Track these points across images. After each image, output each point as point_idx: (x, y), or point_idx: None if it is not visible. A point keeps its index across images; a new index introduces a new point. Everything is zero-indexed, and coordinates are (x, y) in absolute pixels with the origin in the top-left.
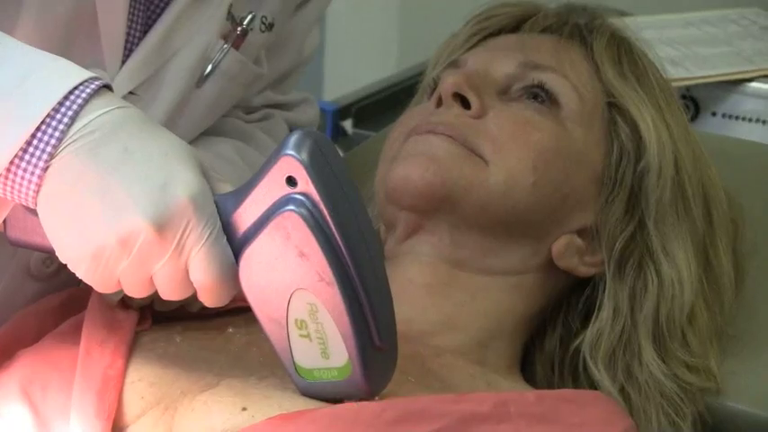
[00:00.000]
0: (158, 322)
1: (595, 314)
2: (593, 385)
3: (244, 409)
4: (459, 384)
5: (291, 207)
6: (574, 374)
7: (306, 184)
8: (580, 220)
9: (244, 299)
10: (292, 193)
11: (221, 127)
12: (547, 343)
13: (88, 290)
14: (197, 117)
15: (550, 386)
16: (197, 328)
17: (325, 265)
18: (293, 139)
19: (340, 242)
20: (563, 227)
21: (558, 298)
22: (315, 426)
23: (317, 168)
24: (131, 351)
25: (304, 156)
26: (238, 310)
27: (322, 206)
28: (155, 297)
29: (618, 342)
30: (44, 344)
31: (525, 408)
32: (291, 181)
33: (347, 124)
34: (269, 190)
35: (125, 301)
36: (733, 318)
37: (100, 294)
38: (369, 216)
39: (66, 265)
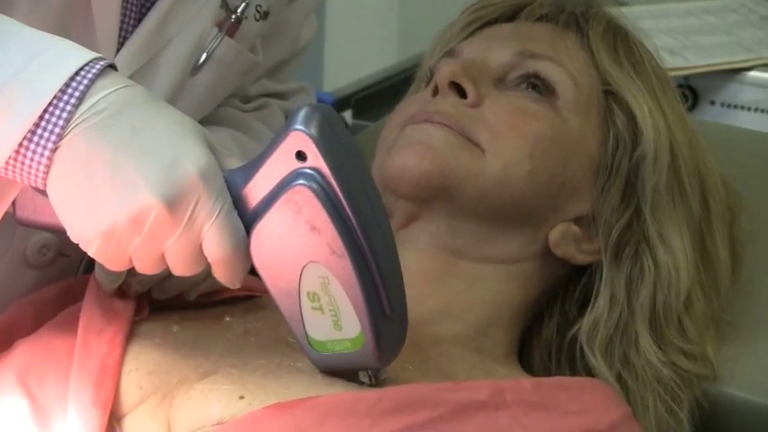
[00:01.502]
0: (156, 311)
1: (592, 302)
2: (590, 373)
3: (241, 397)
4: (457, 372)
5: (302, 181)
6: (571, 362)
7: (316, 159)
8: (577, 208)
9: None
10: (302, 168)
11: (217, 116)
12: (544, 331)
13: (86, 280)
14: (192, 105)
15: (548, 374)
16: (194, 318)
17: (337, 239)
18: (302, 114)
19: (351, 215)
20: (560, 215)
21: (555, 286)
22: (311, 414)
23: (327, 143)
24: (129, 340)
25: (313, 130)
26: (235, 300)
27: (332, 180)
28: (152, 285)
29: (615, 330)
30: (42, 334)
31: (522, 395)
32: (301, 155)
33: (347, 115)
34: (279, 165)
35: (122, 290)
36: (730, 304)
37: (97, 284)
38: (377, 188)
39: (63, 253)
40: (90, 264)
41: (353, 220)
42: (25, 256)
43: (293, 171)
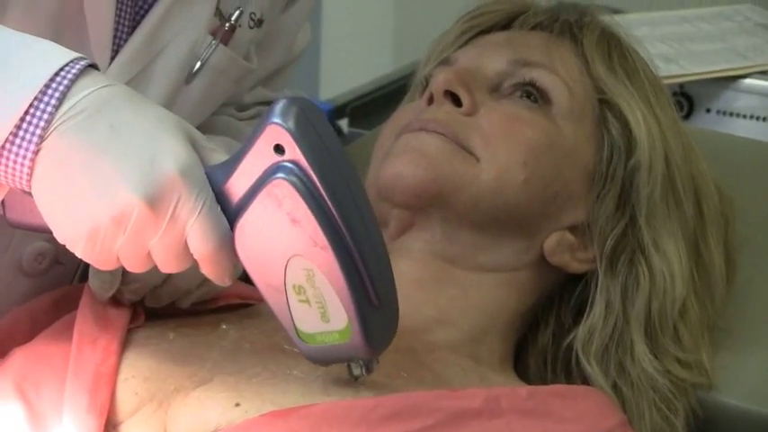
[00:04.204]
0: (152, 318)
1: (588, 310)
2: (585, 381)
3: (237, 404)
4: (451, 379)
5: (281, 175)
6: (566, 370)
7: (293, 152)
8: (571, 216)
9: (234, 294)
10: (281, 161)
11: (213, 124)
12: (540, 338)
13: (81, 289)
14: (186, 113)
15: (543, 382)
16: (190, 325)
17: (318, 231)
18: (278, 107)
19: (331, 206)
20: (554, 223)
21: (550, 294)
22: (307, 421)
23: (304, 135)
24: (125, 348)
25: (290, 123)
26: (231, 307)
27: (311, 172)
28: (145, 294)
29: (610, 338)
30: (38, 342)
31: (517, 403)
32: (279, 149)
33: (343, 123)
34: (258, 159)
35: (116, 298)
36: (724, 311)
37: (91, 292)
38: (359, 177)
39: (58, 261)
40: (85, 272)
41: (334, 211)
42: (21, 264)
43: (272, 164)
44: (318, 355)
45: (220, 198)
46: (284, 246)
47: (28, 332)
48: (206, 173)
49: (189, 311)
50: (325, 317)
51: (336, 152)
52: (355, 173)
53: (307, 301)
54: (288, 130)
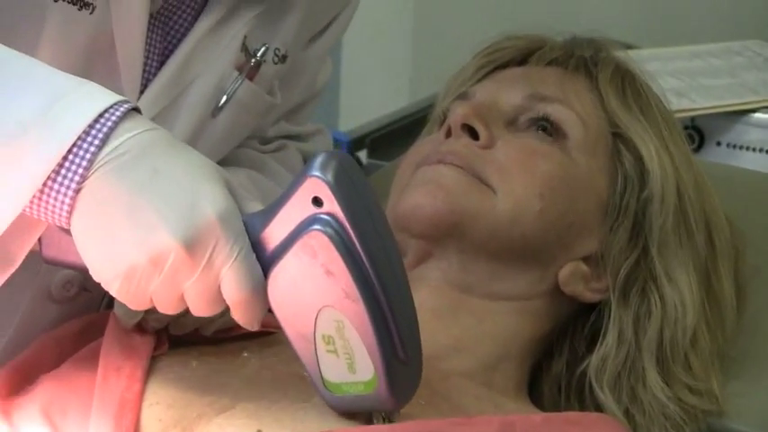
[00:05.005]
0: (175, 346)
1: (600, 339)
2: (598, 407)
3: (258, 431)
4: (467, 406)
5: (318, 227)
6: (580, 397)
7: (331, 205)
8: (585, 246)
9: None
10: (318, 213)
11: (236, 157)
12: (554, 366)
13: (107, 316)
14: (212, 146)
15: (557, 408)
16: (213, 353)
17: (351, 283)
18: (319, 160)
19: (365, 260)
20: (569, 253)
21: (564, 322)
22: None
23: (343, 189)
24: (149, 375)
25: (329, 177)
26: (252, 335)
27: (347, 226)
28: (169, 322)
29: (623, 366)
30: (64, 369)
31: (531, 429)
32: (317, 201)
33: (362, 155)
34: (296, 210)
35: (141, 326)
36: (735, 341)
37: (117, 321)
38: (392, 233)
39: (86, 289)
40: (112, 299)
41: (368, 266)
42: (50, 291)
43: (310, 216)
44: (342, 405)
45: (256, 246)
46: (316, 296)
47: (55, 359)
48: (243, 221)
49: (211, 339)
50: (352, 368)
51: (372, 206)
52: (388, 226)
53: (335, 351)
54: (327, 183)
